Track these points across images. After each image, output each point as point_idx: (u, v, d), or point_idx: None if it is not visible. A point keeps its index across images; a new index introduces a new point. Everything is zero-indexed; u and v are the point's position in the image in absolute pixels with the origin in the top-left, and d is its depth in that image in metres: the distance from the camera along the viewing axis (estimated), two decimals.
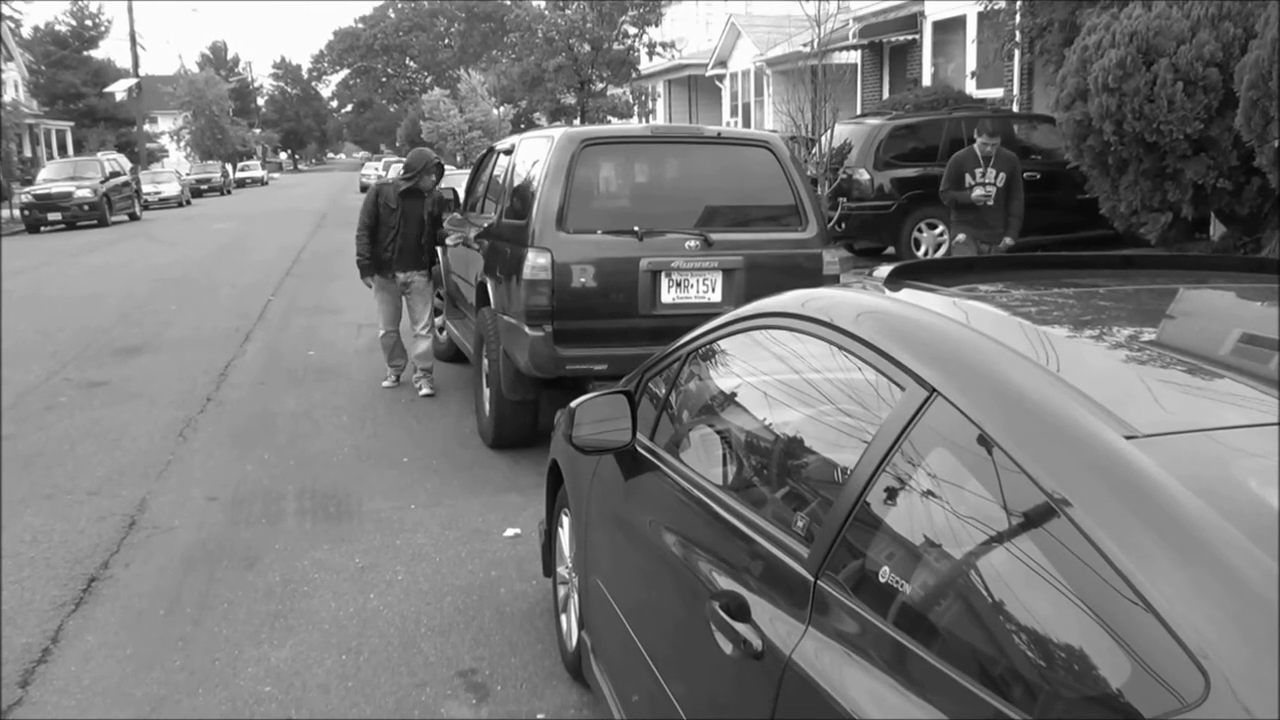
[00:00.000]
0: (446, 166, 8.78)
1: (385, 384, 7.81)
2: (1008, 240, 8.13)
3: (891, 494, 1.64)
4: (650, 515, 2.56)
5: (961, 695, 1.33)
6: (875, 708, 1.45)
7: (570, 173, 5.51)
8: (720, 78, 28.66)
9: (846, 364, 1.93)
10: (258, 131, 73.58)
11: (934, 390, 1.60)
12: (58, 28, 51.61)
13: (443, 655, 3.71)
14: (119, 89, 46.56)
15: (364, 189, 30.38)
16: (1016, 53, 13.96)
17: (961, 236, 8.45)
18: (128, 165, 30.92)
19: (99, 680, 3.60)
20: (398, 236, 7.19)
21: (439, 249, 7.58)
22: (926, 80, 17.84)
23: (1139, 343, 1.82)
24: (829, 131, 12.67)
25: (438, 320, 8.29)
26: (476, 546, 4.73)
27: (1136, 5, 8.84)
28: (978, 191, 8.16)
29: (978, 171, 8.18)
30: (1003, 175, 8.10)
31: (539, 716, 3.32)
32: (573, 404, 2.76)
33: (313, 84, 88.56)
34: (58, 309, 12.31)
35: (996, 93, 15.66)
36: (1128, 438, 1.33)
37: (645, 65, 31.00)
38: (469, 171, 9.48)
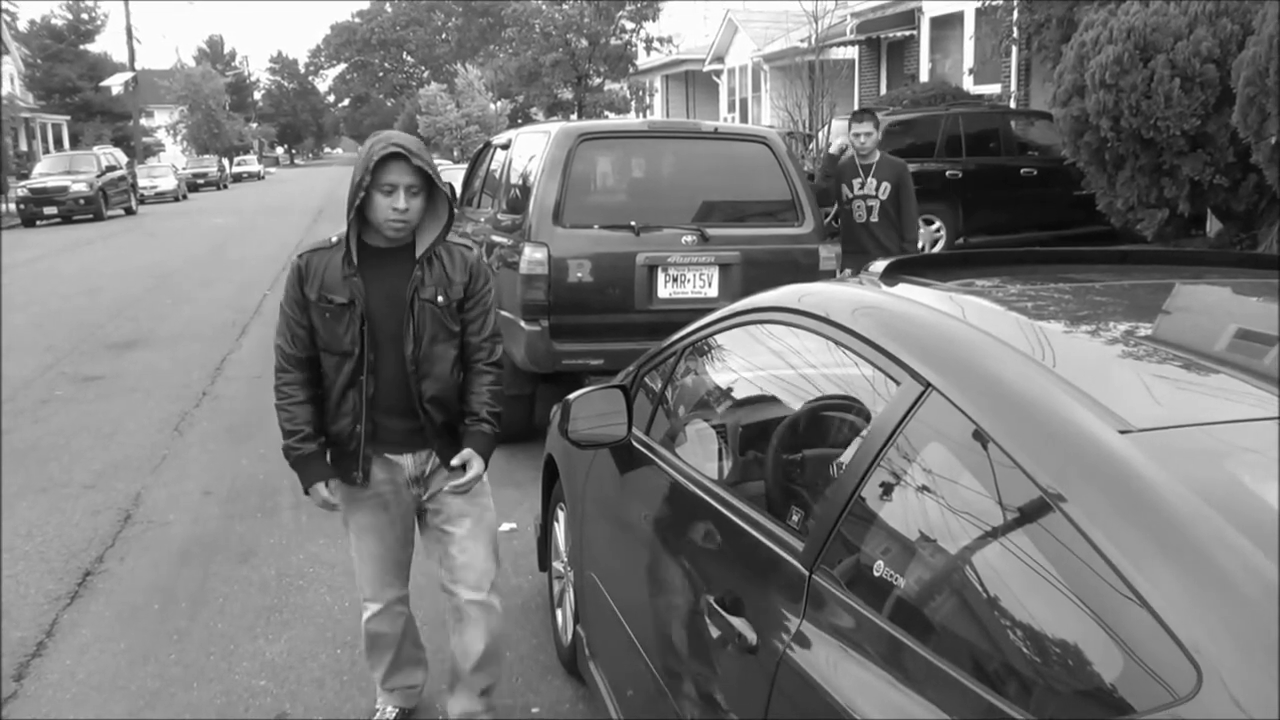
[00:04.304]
0: (443, 161, 8.47)
1: None
2: None
3: (886, 489, 1.64)
4: (645, 510, 2.55)
5: (955, 689, 1.33)
6: (869, 702, 1.45)
7: (567, 167, 5.51)
8: (717, 73, 28.62)
9: (842, 359, 1.93)
10: (254, 126, 73.50)
11: (929, 385, 1.60)
12: (54, 21, 51.48)
13: (437, 649, 3.70)
14: (115, 83, 46.46)
15: None
16: (1014, 49, 13.96)
17: (847, 272, 6.13)
18: (124, 159, 30.84)
19: (94, 674, 3.59)
20: (365, 373, 2.81)
21: None
22: (924, 76, 17.83)
23: (1134, 338, 1.82)
24: (826, 127, 12.67)
25: None
26: None
27: (1134, 1, 8.84)
28: (856, 206, 6.57)
29: (856, 183, 6.56)
30: (886, 185, 6.51)
31: (534, 711, 3.32)
32: (568, 398, 2.75)
33: (309, 78, 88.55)
34: (53, 303, 12.28)
35: (994, 88, 15.66)
36: (1121, 432, 1.33)
37: (642, 60, 30.96)
38: (465, 166, 9.48)
